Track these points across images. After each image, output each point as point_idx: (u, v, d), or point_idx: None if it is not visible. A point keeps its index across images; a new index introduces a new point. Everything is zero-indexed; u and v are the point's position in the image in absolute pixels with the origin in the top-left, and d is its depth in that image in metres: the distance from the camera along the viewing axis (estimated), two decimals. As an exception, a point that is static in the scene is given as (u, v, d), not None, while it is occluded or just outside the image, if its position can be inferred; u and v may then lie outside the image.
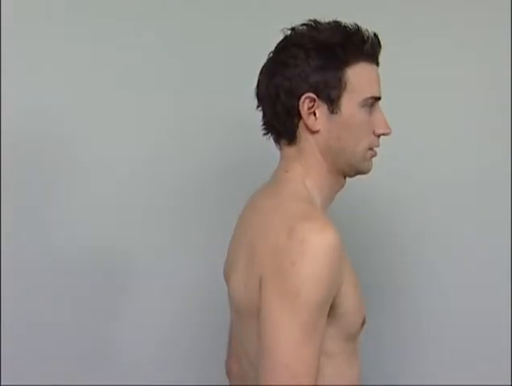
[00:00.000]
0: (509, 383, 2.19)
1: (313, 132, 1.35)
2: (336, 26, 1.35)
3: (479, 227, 2.23)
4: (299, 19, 1.38)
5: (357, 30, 1.35)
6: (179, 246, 2.18)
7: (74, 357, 2.13)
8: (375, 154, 1.42)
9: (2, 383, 2.06)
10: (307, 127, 1.35)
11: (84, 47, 2.09)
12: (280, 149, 1.42)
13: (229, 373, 1.65)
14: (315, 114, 1.34)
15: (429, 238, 2.24)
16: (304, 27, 1.37)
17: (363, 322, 1.38)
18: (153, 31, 2.12)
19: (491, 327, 2.23)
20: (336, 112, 1.34)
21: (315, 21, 1.36)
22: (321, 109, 1.34)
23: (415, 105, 2.18)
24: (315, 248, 1.20)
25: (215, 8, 2.14)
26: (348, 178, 1.44)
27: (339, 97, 1.33)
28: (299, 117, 1.35)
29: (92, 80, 2.09)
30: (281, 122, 1.37)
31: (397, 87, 2.06)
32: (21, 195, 2.08)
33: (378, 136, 1.40)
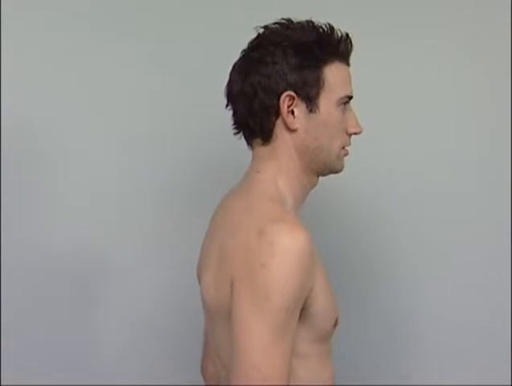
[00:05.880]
0: (510, 384, 2.18)
1: (291, 130, 1.35)
2: (310, 25, 1.36)
3: (479, 228, 2.24)
4: (269, 17, 1.39)
5: (331, 30, 1.36)
6: (155, 246, 2.17)
7: (59, 357, 2.14)
8: (347, 153, 1.43)
9: (2, 384, 2.08)
10: (285, 126, 1.35)
11: (68, 50, 2.10)
12: (252, 149, 1.41)
13: (204, 374, 1.63)
14: (293, 113, 1.34)
15: (423, 238, 2.25)
16: (278, 26, 1.36)
17: (335, 323, 1.38)
18: (138, 33, 2.13)
19: (491, 327, 2.24)
20: (315, 111, 1.34)
21: (288, 20, 1.36)
22: (300, 108, 1.34)
23: (413, 106, 2.19)
24: (285, 250, 1.19)
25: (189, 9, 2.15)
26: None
27: (317, 96, 1.34)
28: (277, 115, 1.34)
29: (76, 83, 2.10)
30: (257, 121, 1.35)
31: (393, 88, 2.08)
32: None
33: (350, 135, 1.41)
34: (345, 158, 1.43)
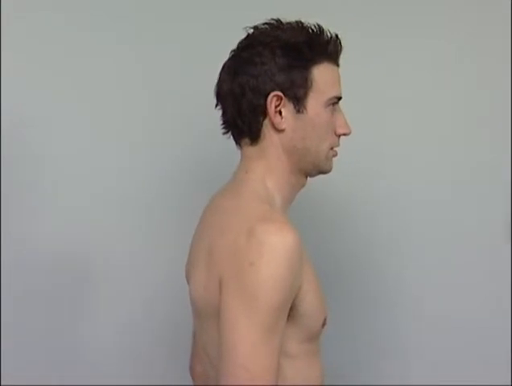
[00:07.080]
0: (510, 384, 2.17)
1: (279, 131, 1.35)
2: (300, 26, 1.36)
3: (479, 228, 2.23)
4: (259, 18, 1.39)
5: (321, 31, 1.35)
6: (155, 246, 2.18)
7: (59, 357, 2.14)
8: (336, 154, 1.43)
9: (2, 384, 2.09)
10: (273, 126, 1.35)
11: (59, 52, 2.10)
12: (240, 148, 1.42)
13: (192, 374, 1.63)
14: (280, 113, 1.34)
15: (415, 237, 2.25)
16: (267, 26, 1.36)
17: (324, 323, 1.38)
18: (137, 33, 2.13)
19: (491, 327, 2.22)
20: (302, 112, 1.34)
21: (277, 20, 1.37)
22: (287, 108, 1.34)
23: (411, 106, 2.19)
24: (274, 249, 1.19)
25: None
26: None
27: (305, 96, 1.34)
28: (265, 115, 1.34)
29: (76, 83, 2.10)
30: (245, 121, 1.36)
31: (392, 87, 2.08)
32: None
33: (339, 136, 1.41)
34: (334, 159, 1.43)
